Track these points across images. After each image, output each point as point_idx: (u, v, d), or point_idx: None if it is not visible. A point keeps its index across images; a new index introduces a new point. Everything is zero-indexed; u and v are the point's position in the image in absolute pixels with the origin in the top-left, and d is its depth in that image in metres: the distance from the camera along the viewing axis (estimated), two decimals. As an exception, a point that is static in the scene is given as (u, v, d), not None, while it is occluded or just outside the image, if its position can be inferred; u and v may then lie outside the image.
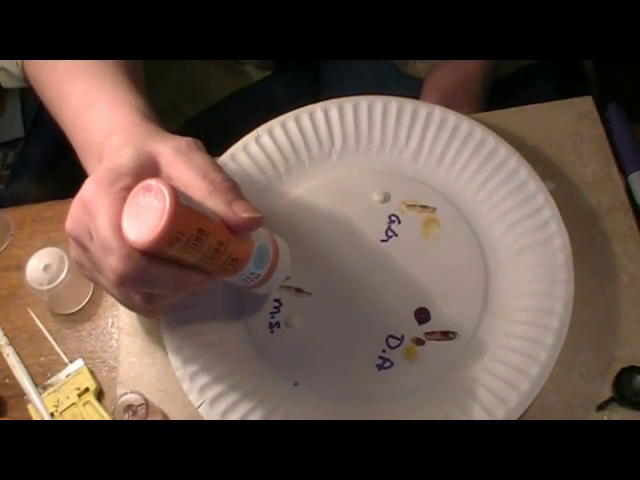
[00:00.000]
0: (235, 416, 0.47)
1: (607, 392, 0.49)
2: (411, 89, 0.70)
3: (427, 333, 0.50)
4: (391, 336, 0.50)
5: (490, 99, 0.71)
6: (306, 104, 0.56)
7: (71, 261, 0.54)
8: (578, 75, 0.77)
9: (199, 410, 0.47)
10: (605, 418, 0.49)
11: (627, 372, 0.49)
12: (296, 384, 0.49)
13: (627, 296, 0.52)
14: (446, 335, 0.50)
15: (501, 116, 0.59)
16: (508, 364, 0.48)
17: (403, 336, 0.50)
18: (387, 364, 0.49)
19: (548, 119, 0.58)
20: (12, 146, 1.04)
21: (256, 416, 0.47)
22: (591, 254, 0.53)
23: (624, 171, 0.58)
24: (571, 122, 0.58)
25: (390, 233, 0.53)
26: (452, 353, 0.49)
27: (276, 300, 0.51)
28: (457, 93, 0.69)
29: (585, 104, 0.59)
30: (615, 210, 0.55)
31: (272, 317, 0.51)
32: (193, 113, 0.76)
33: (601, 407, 0.49)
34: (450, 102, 0.67)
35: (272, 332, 0.51)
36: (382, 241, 0.53)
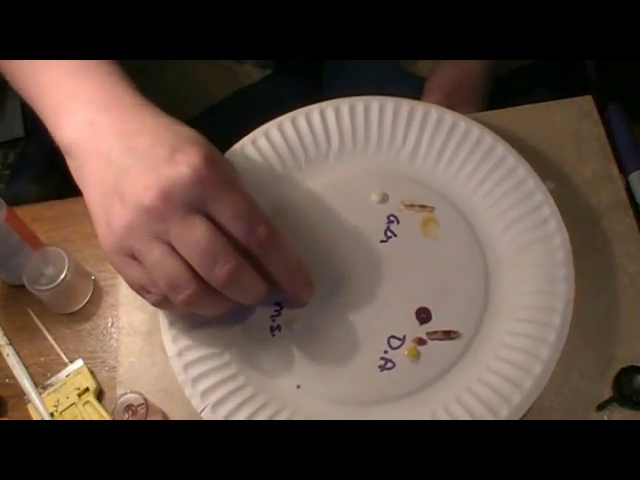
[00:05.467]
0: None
1: (607, 392, 0.49)
2: (413, 88, 0.70)
3: (429, 333, 0.50)
4: (393, 337, 0.50)
5: (490, 98, 0.71)
6: (307, 104, 0.56)
7: (71, 261, 0.54)
8: (578, 75, 0.77)
9: (202, 415, 0.47)
10: (605, 418, 0.49)
11: (627, 372, 0.49)
12: (298, 387, 0.49)
13: (627, 296, 0.52)
14: (448, 334, 0.49)
15: (501, 115, 0.59)
16: (510, 362, 0.47)
17: (405, 336, 0.50)
18: (389, 365, 0.49)
19: (548, 119, 0.58)
20: (12, 146, 1.04)
21: (259, 419, 0.47)
22: (591, 254, 0.53)
23: (624, 171, 0.58)
24: (571, 122, 0.58)
25: (389, 233, 0.53)
26: (454, 352, 0.49)
27: (277, 304, 0.51)
28: (460, 91, 0.69)
29: (585, 104, 0.59)
30: (615, 210, 0.55)
31: (273, 320, 0.51)
32: (193, 113, 0.76)
33: (601, 407, 0.49)
34: (452, 100, 0.67)
35: (273, 335, 0.50)
36: (381, 242, 0.53)
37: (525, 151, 0.54)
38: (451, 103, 0.64)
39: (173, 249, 0.42)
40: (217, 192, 0.42)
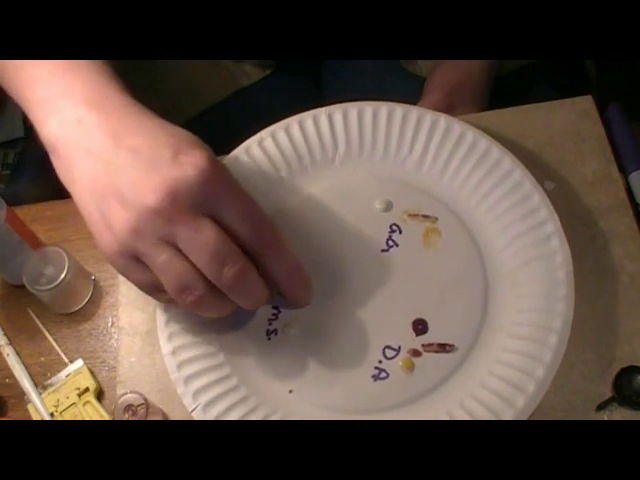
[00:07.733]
0: (229, 421, 0.47)
1: (607, 392, 0.49)
2: (413, 87, 0.70)
3: (424, 345, 0.49)
4: (388, 347, 0.49)
5: (490, 98, 0.71)
6: (307, 103, 0.56)
7: (71, 261, 0.54)
8: (578, 75, 0.77)
9: (192, 414, 0.47)
10: (605, 418, 0.49)
11: (627, 372, 0.49)
12: (291, 392, 0.49)
13: (627, 296, 0.52)
14: (443, 347, 0.49)
15: (501, 115, 0.59)
16: (505, 379, 0.47)
17: (400, 347, 0.49)
18: (383, 375, 0.48)
19: (548, 119, 0.58)
20: (12, 146, 1.04)
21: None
22: (591, 254, 0.53)
23: (624, 171, 0.58)
24: (571, 122, 0.58)
25: (391, 243, 0.52)
26: (449, 366, 0.48)
27: (274, 307, 0.51)
28: (460, 91, 0.69)
29: (585, 104, 0.59)
30: (615, 210, 0.54)
31: (270, 324, 0.51)
32: (193, 113, 0.76)
33: (601, 407, 0.49)
34: (453, 100, 0.67)
35: (269, 339, 0.50)
36: (383, 251, 0.52)
37: (525, 151, 0.54)
38: (451, 103, 0.64)
39: (179, 251, 0.42)
40: (223, 194, 0.42)
